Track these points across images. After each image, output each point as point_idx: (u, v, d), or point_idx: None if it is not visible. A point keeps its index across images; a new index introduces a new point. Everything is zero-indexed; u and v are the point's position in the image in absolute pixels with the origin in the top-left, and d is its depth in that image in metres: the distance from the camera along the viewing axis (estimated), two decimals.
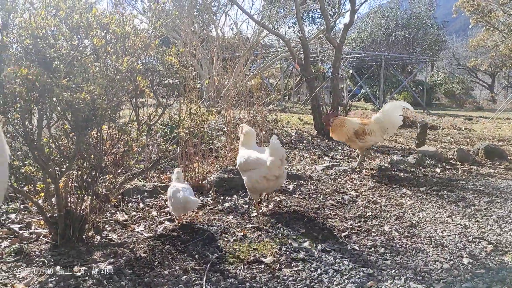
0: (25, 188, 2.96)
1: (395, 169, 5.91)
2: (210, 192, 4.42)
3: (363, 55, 20.62)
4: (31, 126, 2.50)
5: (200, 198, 4.19)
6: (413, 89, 24.68)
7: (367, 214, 3.96)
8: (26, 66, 2.38)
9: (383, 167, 5.92)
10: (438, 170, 6.05)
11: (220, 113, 7.75)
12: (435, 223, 3.79)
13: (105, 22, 2.54)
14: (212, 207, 3.98)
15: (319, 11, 24.12)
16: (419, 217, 3.92)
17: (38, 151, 2.63)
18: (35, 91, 2.41)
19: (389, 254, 3.06)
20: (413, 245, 3.25)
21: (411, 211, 4.10)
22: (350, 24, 8.92)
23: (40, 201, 3.17)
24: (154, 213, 3.79)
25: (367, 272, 2.74)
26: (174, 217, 3.58)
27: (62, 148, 2.76)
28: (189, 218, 3.56)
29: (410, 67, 27.33)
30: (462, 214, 4.07)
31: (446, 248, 3.22)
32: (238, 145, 5.94)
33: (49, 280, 2.43)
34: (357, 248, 3.15)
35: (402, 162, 6.16)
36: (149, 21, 3.22)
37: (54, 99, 2.31)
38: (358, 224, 3.67)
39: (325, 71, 18.15)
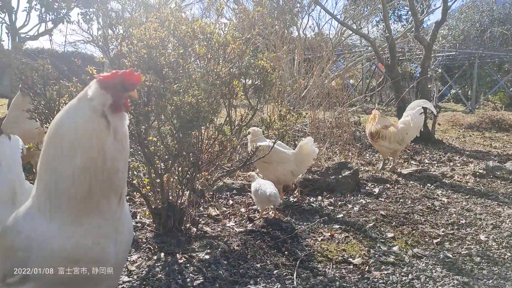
0: (134, 182, 3.31)
1: (491, 176, 5.54)
2: (295, 192, 4.52)
3: (454, 53, 19.36)
4: (143, 127, 2.80)
5: (284, 197, 4.32)
6: (511, 89, 22.63)
7: (461, 221, 3.79)
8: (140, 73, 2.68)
9: (477, 173, 5.58)
10: None
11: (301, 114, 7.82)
12: None
13: (208, 31, 2.76)
14: (297, 206, 4.08)
15: (405, 8, 23.15)
16: None
17: (147, 149, 2.94)
18: (146, 95, 2.70)
19: (485, 264, 2.93)
20: None
21: (510, 221, 3.85)
22: (441, 23, 8.50)
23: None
24: (243, 209, 3.99)
25: (462, 280, 2.66)
26: (263, 214, 3.75)
27: (167, 147, 3.04)
28: (273, 215, 3.69)
29: (507, 65, 25.05)
30: None
31: None
32: (320, 146, 5.99)
33: (156, 264, 2.71)
34: (451, 255, 3.05)
35: (499, 168, 5.75)
36: (243, 29, 3.41)
37: (165, 102, 2.57)
38: (451, 231, 3.54)
39: (414, 72, 17.35)
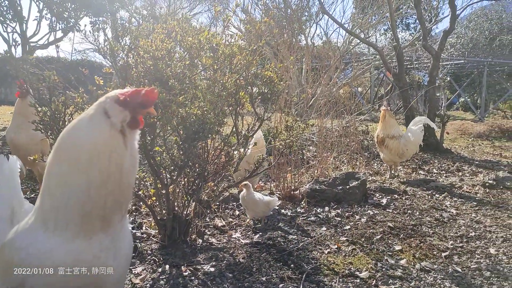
0: (140, 192, 3.30)
1: (501, 187, 5.45)
2: (302, 202, 4.49)
3: (462, 61, 19.26)
4: (149, 138, 2.80)
5: (289, 207, 4.28)
6: None
7: (470, 234, 3.73)
8: (146, 84, 2.68)
9: (487, 184, 5.50)
10: None
11: (308, 125, 7.79)
12: None
13: (214, 43, 2.76)
14: (304, 217, 4.05)
15: (413, 16, 23.08)
16: None
17: (153, 160, 2.94)
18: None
19: (496, 279, 2.87)
20: None
21: None
22: (450, 31, 8.45)
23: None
24: (249, 220, 3.96)
25: None
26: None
27: (173, 158, 3.03)
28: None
29: None
30: None
31: None
32: (328, 155, 5.95)
33: (161, 277, 2.69)
34: (460, 270, 2.99)
35: (509, 179, 5.66)
36: (250, 41, 3.40)
37: (171, 114, 2.57)
38: (460, 244, 3.48)
39: (421, 81, 17.26)
